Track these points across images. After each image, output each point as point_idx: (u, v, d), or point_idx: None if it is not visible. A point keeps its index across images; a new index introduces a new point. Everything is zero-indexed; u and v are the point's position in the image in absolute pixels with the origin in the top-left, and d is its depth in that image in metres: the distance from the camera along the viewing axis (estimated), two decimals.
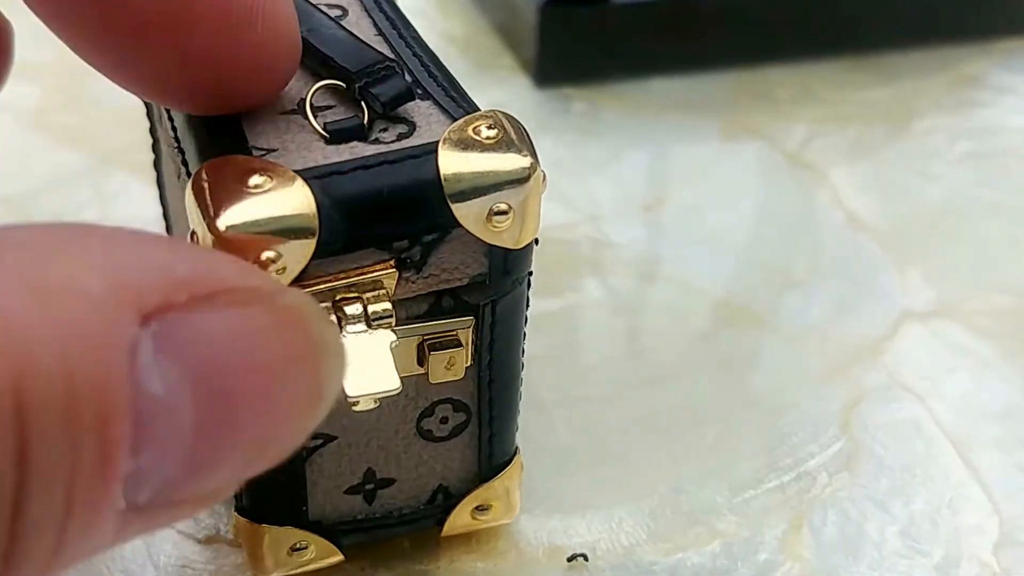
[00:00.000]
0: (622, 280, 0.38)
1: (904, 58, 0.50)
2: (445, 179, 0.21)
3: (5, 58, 0.24)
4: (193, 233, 0.21)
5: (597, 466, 0.31)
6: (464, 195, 0.21)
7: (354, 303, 0.21)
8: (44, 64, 0.46)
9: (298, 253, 0.21)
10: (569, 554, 0.29)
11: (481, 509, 0.28)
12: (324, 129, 0.22)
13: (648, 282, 0.38)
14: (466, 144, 0.22)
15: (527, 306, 0.25)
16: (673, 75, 0.48)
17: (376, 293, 0.22)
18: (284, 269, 0.21)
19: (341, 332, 0.21)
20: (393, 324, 0.22)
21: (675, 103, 0.47)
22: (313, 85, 0.23)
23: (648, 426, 0.33)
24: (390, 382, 0.21)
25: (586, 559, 0.29)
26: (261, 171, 0.21)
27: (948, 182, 0.43)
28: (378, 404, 0.21)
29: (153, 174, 0.33)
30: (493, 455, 0.27)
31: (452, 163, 0.21)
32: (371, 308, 0.22)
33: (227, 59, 0.20)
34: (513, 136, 0.22)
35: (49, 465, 0.13)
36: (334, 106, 0.23)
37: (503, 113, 0.22)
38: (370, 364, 0.21)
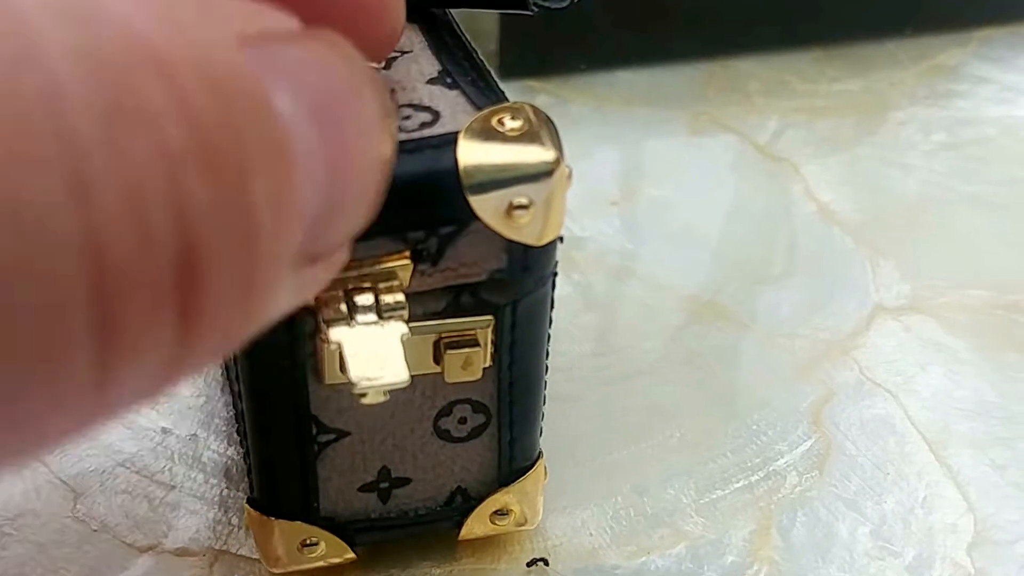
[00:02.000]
0: (590, 277, 0.37)
1: (878, 49, 0.49)
2: (464, 170, 0.21)
3: None
4: None
5: (559, 468, 0.31)
6: (483, 187, 0.21)
7: (366, 293, 0.21)
8: None
9: None
10: (528, 559, 0.28)
11: (500, 514, 0.27)
12: None
13: (617, 279, 0.37)
14: (488, 135, 0.21)
15: (552, 307, 0.24)
16: (641, 67, 0.47)
17: (389, 284, 0.21)
18: None
19: (351, 323, 0.21)
20: (406, 316, 0.21)
21: (643, 96, 0.46)
22: None
23: (614, 426, 0.32)
24: (399, 374, 0.20)
25: (546, 564, 0.28)
26: None
27: (923, 174, 0.43)
28: (387, 397, 0.21)
29: None
30: (514, 458, 0.26)
31: (472, 154, 0.21)
32: (383, 299, 0.21)
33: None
34: (538, 129, 0.21)
35: (230, 175, 0.13)
36: None
37: (531, 106, 0.21)
38: (379, 356, 0.20)
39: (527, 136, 0.21)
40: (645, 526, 0.29)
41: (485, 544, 0.28)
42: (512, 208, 0.21)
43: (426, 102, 0.22)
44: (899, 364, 0.34)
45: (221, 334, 0.14)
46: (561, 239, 0.23)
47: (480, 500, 0.26)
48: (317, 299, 0.21)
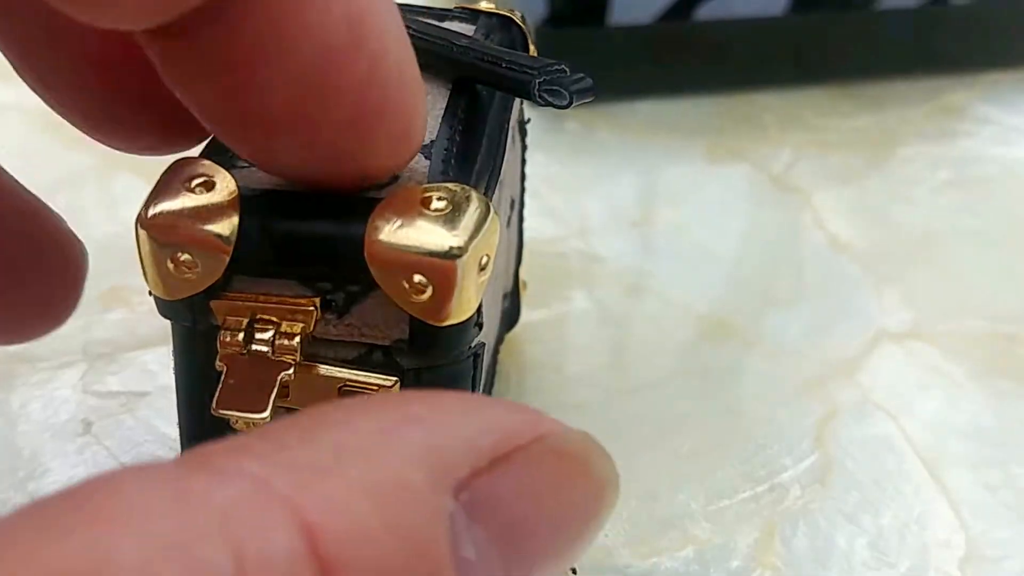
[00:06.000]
0: (609, 293, 0.39)
1: (889, 88, 0.51)
2: (369, 239, 0.21)
3: (78, 274, 0.26)
4: None
5: None
6: (383, 259, 0.21)
7: (267, 329, 0.22)
8: None
9: (211, 263, 0.21)
10: None
11: None
12: None
13: (634, 295, 0.39)
14: (406, 210, 0.21)
15: (475, 387, 0.24)
16: (663, 98, 0.49)
17: (292, 325, 0.22)
18: (199, 273, 0.21)
19: (247, 348, 0.21)
20: (296, 360, 0.22)
21: (665, 125, 0.48)
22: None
23: (629, 434, 0.34)
24: (260, 411, 0.21)
25: (575, 572, 0.29)
26: (205, 176, 0.21)
27: (928, 208, 0.44)
28: (249, 427, 0.21)
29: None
30: None
31: (382, 225, 0.21)
32: (279, 341, 0.21)
33: (349, 151, 0.20)
34: (458, 216, 0.21)
35: None
36: None
37: (479, 195, 0.21)
38: (251, 387, 0.21)
39: (443, 219, 0.21)
40: (656, 529, 0.31)
41: None
42: (411, 284, 0.21)
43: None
44: (899, 387, 0.36)
45: None
46: (480, 324, 0.23)
47: None
48: (224, 320, 0.22)
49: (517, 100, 0.29)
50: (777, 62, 0.50)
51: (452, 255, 0.20)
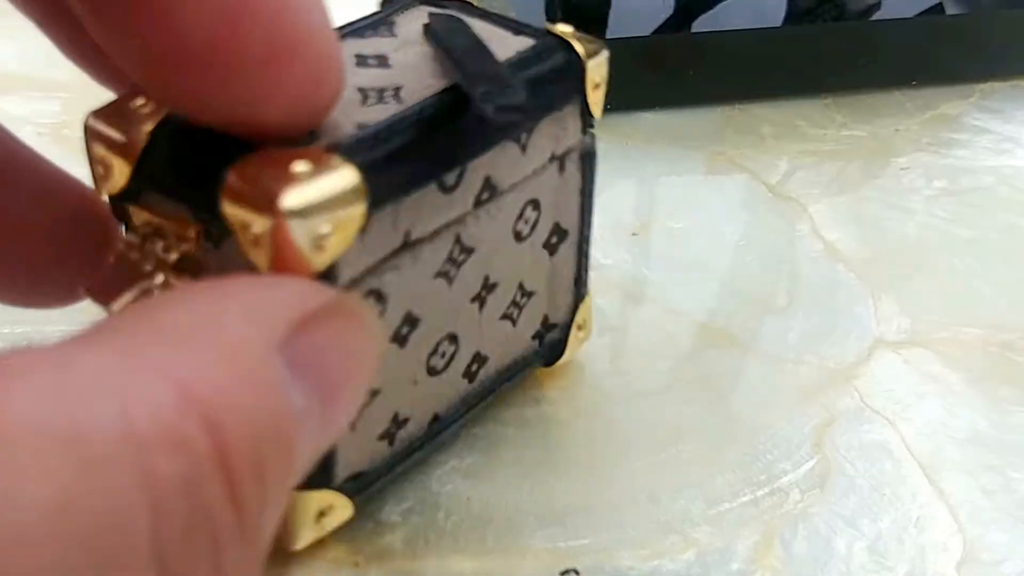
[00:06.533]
0: (608, 301, 0.39)
1: (885, 98, 0.52)
2: (230, 184, 0.22)
3: (110, 229, 0.27)
4: None
5: (581, 476, 0.33)
6: (229, 204, 0.22)
7: (158, 242, 0.24)
8: (64, 81, 0.47)
9: (119, 169, 0.24)
10: (555, 561, 0.30)
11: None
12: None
13: (633, 303, 0.40)
14: (268, 164, 0.22)
15: None
16: (663, 109, 0.50)
17: (178, 244, 0.24)
18: (112, 176, 0.24)
19: (137, 252, 0.24)
20: (168, 276, 0.24)
21: (664, 136, 0.48)
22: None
23: (629, 439, 0.34)
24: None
25: (577, 573, 0.30)
26: (148, 99, 0.24)
27: (924, 217, 0.45)
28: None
29: None
30: None
31: (240, 172, 0.22)
32: (161, 255, 0.24)
33: (263, 92, 0.21)
34: (313, 183, 0.22)
35: (250, 507, 0.16)
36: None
37: (357, 173, 0.22)
38: (121, 284, 0.24)
39: (294, 181, 0.21)
40: (657, 533, 0.31)
41: (514, 540, 0.31)
42: (251, 235, 0.22)
43: (325, 127, 0.24)
44: (897, 393, 0.37)
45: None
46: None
47: None
48: (135, 225, 0.25)
49: (576, 130, 0.31)
50: (774, 73, 0.50)
51: (278, 214, 0.21)
